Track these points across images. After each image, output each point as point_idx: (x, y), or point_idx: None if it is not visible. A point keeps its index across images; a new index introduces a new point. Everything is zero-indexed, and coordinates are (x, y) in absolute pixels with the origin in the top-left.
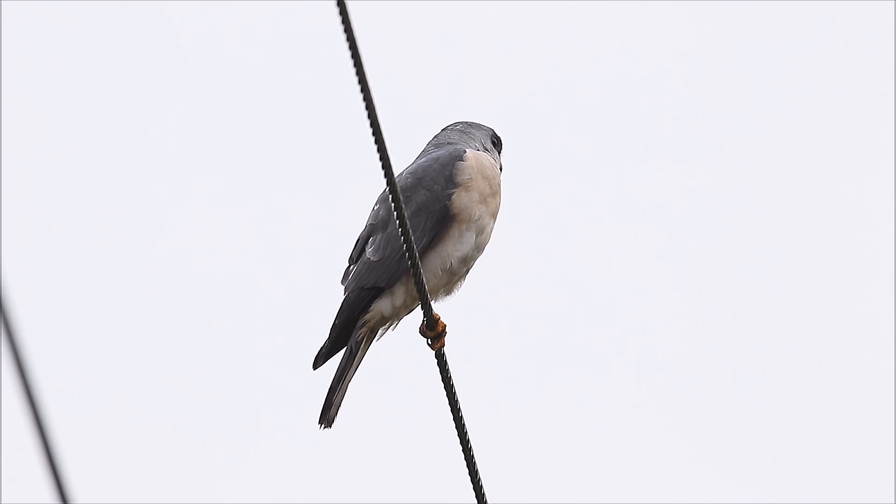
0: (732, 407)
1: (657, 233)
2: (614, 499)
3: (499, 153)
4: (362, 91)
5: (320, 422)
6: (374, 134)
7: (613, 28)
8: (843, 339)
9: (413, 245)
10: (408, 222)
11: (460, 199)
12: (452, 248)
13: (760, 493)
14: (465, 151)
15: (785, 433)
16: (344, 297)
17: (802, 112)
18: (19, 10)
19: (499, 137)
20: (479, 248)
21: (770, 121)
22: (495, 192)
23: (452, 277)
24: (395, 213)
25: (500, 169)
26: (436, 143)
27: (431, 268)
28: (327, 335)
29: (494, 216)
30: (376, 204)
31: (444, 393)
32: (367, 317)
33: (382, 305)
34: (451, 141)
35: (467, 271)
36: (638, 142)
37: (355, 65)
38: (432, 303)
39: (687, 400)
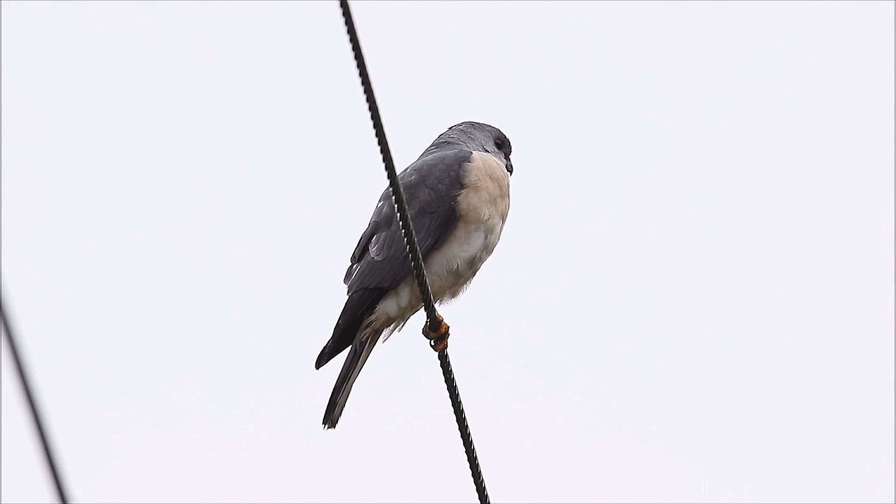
0: (733, 407)
1: (659, 234)
2: (614, 499)
3: (507, 154)
4: (365, 91)
5: (324, 422)
6: (377, 133)
7: (614, 28)
8: (842, 339)
9: (416, 245)
10: (411, 223)
11: (468, 199)
12: (458, 250)
13: (760, 493)
14: (471, 153)
15: (785, 433)
16: (348, 296)
17: (803, 112)
18: (19, 11)
19: (506, 138)
20: (487, 250)
21: (771, 121)
22: (504, 194)
23: (458, 279)
24: (397, 213)
25: (510, 171)
26: (437, 143)
27: (436, 269)
28: (331, 335)
29: (504, 217)
30: (380, 200)
31: (447, 394)
32: (372, 318)
33: (387, 306)
34: (451, 140)
35: (474, 273)
36: (638, 142)
37: (359, 65)
38: (437, 304)
39: (688, 400)
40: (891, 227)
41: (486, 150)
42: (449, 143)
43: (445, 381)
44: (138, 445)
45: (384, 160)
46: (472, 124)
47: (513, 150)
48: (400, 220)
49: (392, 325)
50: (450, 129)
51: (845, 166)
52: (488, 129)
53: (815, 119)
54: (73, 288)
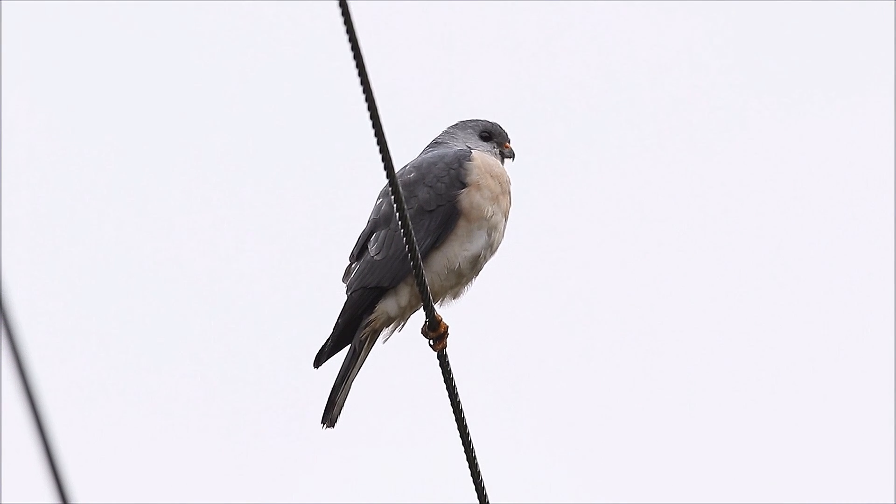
0: (733, 407)
1: (657, 233)
2: (614, 499)
3: (500, 143)
4: (365, 90)
5: (323, 421)
6: (375, 133)
7: (614, 27)
8: (842, 339)
9: (415, 244)
10: (410, 222)
11: (471, 197)
12: (459, 249)
13: (760, 493)
14: (472, 151)
15: (785, 434)
16: (347, 296)
17: (802, 112)
18: (19, 10)
19: (494, 128)
20: (491, 249)
21: (770, 121)
22: (505, 191)
23: (460, 279)
24: (396, 213)
25: (511, 157)
26: (434, 144)
27: (436, 268)
28: (330, 334)
29: (506, 215)
30: (379, 198)
31: (447, 394)
32: (372, 317)
33: (387, 306)
34: (441, 142)
35: (477, 273)
36: (638, 141)
37: (358, 65)
38: (437, 305)
39: (687, 400)
40: (891, 227)
41: (472, 148)
42: (444, 143)
43: (444, 381)
44: (138, 445)
45: (383, 158)
46: (457, 124)
47: (508, 136)
48: (399, 218)
49: (392, 325)
50: (445, 131)
51: (845, 166)
52: (472, 124)
53: (815, 119)
54: (73, 289)
